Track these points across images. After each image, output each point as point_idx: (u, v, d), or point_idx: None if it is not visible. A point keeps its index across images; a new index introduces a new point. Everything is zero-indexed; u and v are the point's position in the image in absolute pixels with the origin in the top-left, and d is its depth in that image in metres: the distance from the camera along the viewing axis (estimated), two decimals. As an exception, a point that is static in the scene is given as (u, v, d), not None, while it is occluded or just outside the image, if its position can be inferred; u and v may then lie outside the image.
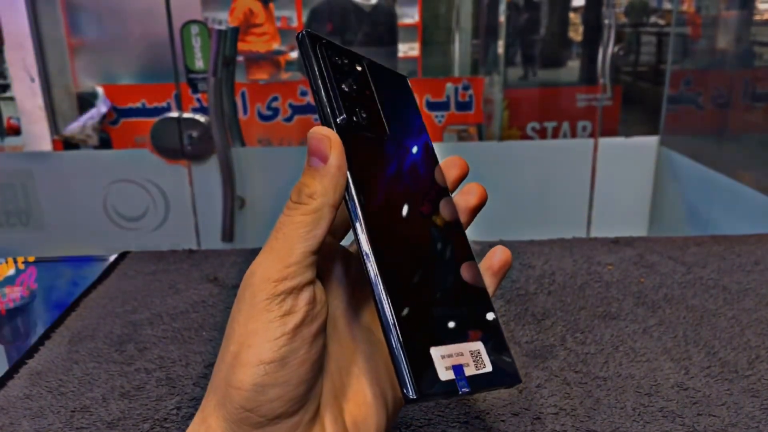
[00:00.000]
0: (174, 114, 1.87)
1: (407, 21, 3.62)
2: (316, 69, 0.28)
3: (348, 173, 0.27)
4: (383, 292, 0.26)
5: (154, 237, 1.84)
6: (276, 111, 2.44)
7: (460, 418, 0.39)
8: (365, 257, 0.26)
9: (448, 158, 0.32)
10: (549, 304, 0.54)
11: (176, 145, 1.83)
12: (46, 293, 0.64)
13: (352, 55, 0.31)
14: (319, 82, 0.28)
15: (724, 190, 1.46)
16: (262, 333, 0.25)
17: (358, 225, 0.26)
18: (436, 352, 0.26)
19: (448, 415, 0.40)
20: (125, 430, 0.39)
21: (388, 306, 0.25)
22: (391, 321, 0.25)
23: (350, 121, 0.28)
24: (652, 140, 1.84)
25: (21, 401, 0.42)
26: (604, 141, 1.81)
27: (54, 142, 2.12)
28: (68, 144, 2.16)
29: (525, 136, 2.52)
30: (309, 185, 0.26)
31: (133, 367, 0.46)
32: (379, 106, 0.31)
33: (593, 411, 0.40)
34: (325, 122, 0.28)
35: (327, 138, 0.26)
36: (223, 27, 1.78)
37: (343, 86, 0.29)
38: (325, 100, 0.28)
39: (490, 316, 0.29)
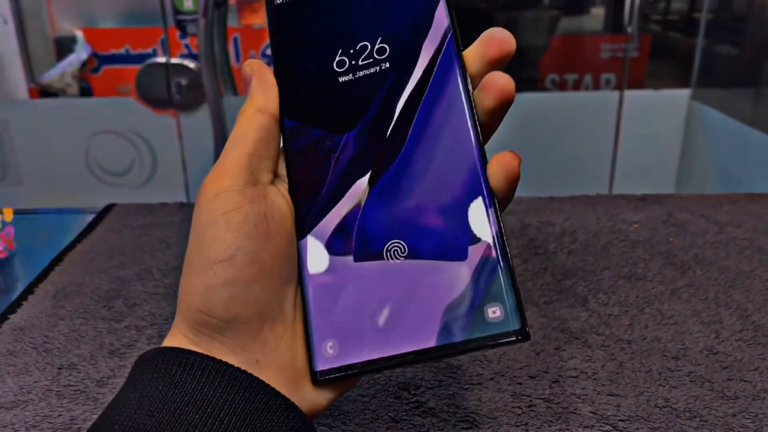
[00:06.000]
0: (161, 59, 1.85)
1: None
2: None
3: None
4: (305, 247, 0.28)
5: (141, 192, 1.84)
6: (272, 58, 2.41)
7: (473, 380, 0.40)
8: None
9: (487, 31, 0.28)
10: (570, 263, 0.54)
11: (163, 93, 1.82)
12: (27, 248, 0.64)
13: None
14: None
15: (760, 147, 1.44)
16: (208, 234, 0.26)
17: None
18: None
19: (460, 376, 0.40)
20: (115, 389, 0.39)
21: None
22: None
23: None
24: (683, 93, 1.82)
25: (4, 357, 0.42)
26: (630, 93, 1.79)
27: (30, 90, 2.10)
28: (45, 92, 2.14)
29: (543, 89, 2.49)
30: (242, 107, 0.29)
31: (123, 324, 0.46)
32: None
33: (616, 375, 0.40)
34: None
35: (248, 65, 0.30)
36: (214, -37, 1.74)
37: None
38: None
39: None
